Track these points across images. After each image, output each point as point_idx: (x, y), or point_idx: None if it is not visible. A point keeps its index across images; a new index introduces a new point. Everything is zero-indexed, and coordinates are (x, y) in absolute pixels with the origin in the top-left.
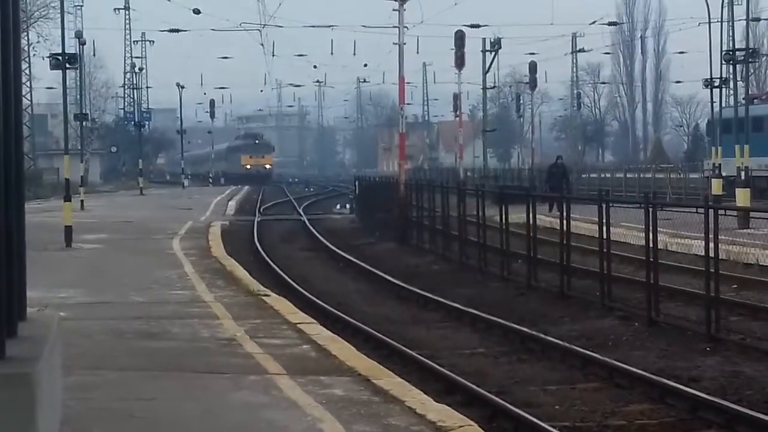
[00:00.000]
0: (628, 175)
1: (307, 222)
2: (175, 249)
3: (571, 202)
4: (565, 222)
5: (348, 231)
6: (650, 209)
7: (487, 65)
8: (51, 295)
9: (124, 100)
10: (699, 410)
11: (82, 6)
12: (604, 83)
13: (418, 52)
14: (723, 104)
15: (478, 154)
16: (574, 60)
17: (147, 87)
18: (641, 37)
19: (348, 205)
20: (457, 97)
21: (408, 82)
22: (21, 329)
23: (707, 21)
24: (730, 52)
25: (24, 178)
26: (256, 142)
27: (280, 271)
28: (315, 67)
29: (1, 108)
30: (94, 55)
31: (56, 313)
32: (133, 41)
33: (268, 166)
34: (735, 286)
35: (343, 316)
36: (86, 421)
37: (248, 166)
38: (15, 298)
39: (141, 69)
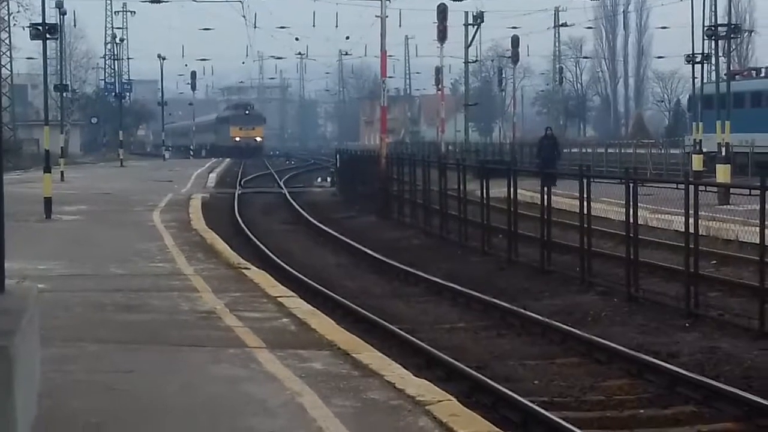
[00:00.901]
0: (609, 151)
1: (287, 195)
2: (155, 221)
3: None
4: (546, 197)
5: (329, 204)
6: (631, 185)
7: (470, 39)
8: (30, 267)
9: (105, 71)
10: (677, 386)
11: None
12: (586, 58)
13: (400, 25)
14: (705, 80)
15: (459, 128)
16: (557, 34)
17: (128, 58)
18: (624, 11)
19: (329, 179)
20: (439, 71)
21: (390, 55)
22: None
23: None
24: (713, 28)
25: (2, 150)
26: (246, 112)
27: (260, 244)
28: (297, 39)
29: None
30: (74, 25)
31: (34, 285)
32: (114, 12)
33: (258, 139)
34: (714, 262)
35: (323, 289)
36: (65, 394)
37: (237, 138)
38: None
39: (122, 40)
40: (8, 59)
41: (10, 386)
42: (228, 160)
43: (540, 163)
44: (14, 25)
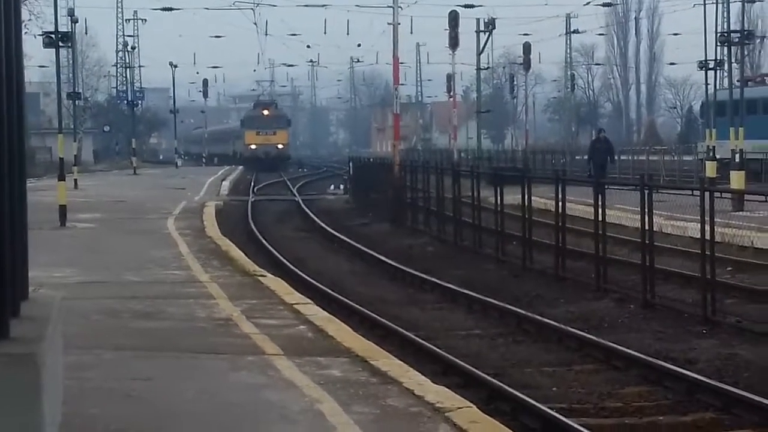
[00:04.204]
0: (621, 157)
1: (301, 202)
2: (170, 229)
3: (566, 184)
4: (560, 204)
5: (342, 211)
6: (646, 192)
7: (481, 46)
8: (46, 275)
9: (117, 79)
10: (695, 393)
11: None
12: (597, 64)
13: (411, 33)
14: (717, 86)
15: (471, 135)
16: (568, 41)
17: (139, 66)
18: (635, 18)
19: (342, 186)
20: (450, 78)
21: (402, 63)
22: (23, 309)
23: (702, 2)
24: (725, 34)
25: (25, 157)
26: (265, 113)
27: (274, 252)
28: (308, 46)
29: (4, 87)
30: (86, 33)
31: (58, 293)
32: (126, 19)
33: (280, 146)
34: (730, 268)
35: (339, 296)
36: (83, 401)
37: (253, 146)
38: (18, 277)
39: (133, 48)
40: None
41: (39, 393)
42: (240, 167)
43: (592, 169)
44: (25, 33)
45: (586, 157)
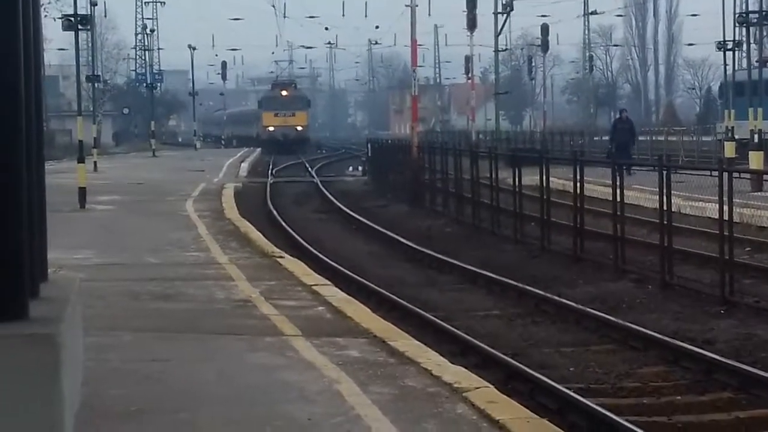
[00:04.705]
0: (640, 138)
1: (319, 184)
2: (189, 211)
3: (584, 165)
4: (578, 185)
5: (360, 193)
6: (664, 172)
7: (500, 27)
8: (66, 257)
9: (136, 62)
10: (713, 373)
11: None
12: (616, 46)
13: (429, 14)
14: (736, 67)
15: (489, 116)
16: (586, 22)
17: (158, 48)
18: None
19: (360, 168)
20: (469, 60)
21: (420, 45)
22: (42, 290)
23: None
24: (744, 15)
25: (44, 140)
26: (283, 94)
27: (293, 233)
28: (327, 29)
29: (22, 71)
30: (105, 16)
31: (77, 275)
32: (145, 2)
33: (299, 128)
34: (748, 248)
35: (357, 277)
36: (102, 382)
37: (271, 128)
38: (37, 259)
39: (152, 30)
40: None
41: (57, 374)
42: (260, 149)
43: (614, 149)
44: (45, 16)
45: (608, 137)
